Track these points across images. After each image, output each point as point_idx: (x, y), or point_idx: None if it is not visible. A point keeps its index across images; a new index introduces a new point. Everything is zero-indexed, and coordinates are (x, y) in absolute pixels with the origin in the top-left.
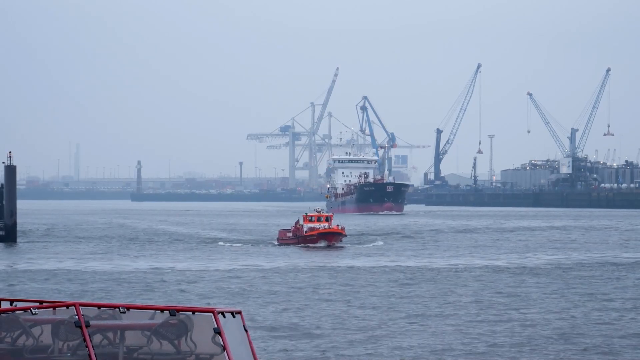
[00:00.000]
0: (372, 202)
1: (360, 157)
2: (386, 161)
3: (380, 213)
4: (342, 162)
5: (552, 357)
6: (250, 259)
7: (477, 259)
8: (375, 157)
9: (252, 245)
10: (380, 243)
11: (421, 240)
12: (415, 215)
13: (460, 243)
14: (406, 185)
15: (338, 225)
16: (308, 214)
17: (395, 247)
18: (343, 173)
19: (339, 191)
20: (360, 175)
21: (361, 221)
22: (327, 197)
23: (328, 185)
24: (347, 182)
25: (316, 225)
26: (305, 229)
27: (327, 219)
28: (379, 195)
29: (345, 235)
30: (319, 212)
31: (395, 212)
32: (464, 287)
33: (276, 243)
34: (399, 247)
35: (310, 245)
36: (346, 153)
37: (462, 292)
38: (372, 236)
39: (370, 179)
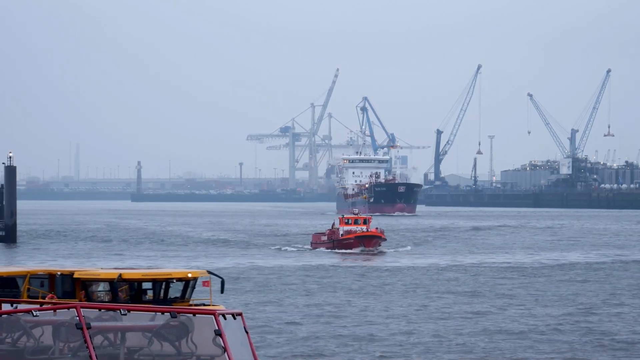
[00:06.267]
0: (383, 203)
1: (372, 157)
2: (395, 161)
3: (393, 214)
4: (352, 162)
5: None
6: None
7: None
8: (387, 157)
9: (308, 249)
10: (409, 248)
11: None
12: (429, 216)
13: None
14: (418, 186)
15: (377, 228)
16: (345, 215)
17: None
18: (353, 173)
19: (349, 192)
20: (371, 175)
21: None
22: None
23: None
24: (358, 182)
25: (353, 228)
26: (341, 232)
27: (365, 222)
28: (391, 195)
29: (385, 239)
30: (356, 213)
31: (407, 213)
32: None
33: (309, 247)
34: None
35: (347, 250)
36: (357, 152)
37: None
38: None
39: (382, 179)
